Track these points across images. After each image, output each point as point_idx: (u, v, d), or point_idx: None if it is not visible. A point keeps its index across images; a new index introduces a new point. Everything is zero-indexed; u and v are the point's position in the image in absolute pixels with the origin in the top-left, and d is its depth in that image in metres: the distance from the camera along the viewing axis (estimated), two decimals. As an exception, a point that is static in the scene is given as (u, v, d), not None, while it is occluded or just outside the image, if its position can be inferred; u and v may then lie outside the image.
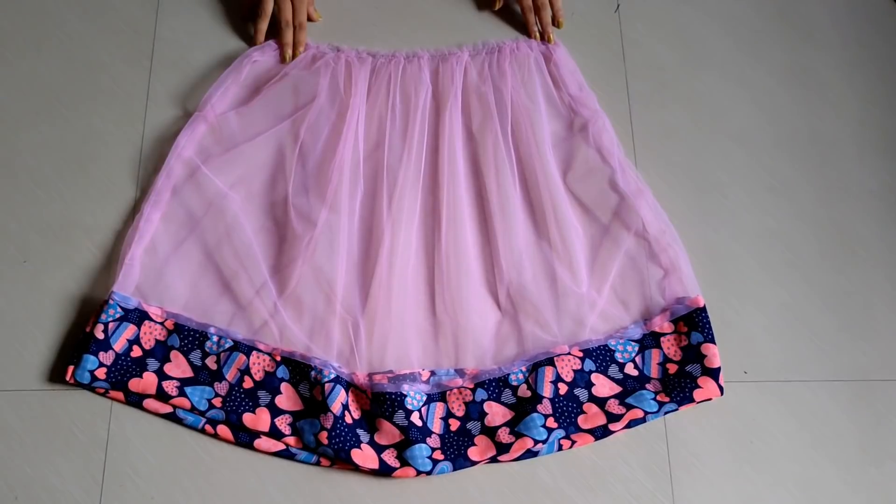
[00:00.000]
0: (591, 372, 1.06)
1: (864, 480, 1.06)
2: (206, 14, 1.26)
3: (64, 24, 1.25)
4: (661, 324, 1.09)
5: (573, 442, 1.04)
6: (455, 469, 1.02)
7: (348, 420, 1.02)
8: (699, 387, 1.05)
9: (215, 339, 1.05)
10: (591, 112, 1.19)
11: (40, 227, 1.13)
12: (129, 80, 1.21)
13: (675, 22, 1.31)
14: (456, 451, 1.02)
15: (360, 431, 1.02)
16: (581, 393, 1.05)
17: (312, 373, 1.03)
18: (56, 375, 1.06)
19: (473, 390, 1.05)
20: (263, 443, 1.03)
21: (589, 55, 1.26)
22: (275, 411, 1.03)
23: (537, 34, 1.26)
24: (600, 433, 1.04)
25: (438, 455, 1.02)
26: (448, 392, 1.06)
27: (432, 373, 1.07)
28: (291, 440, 1.02)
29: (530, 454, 1.03)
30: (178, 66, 1.22)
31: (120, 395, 1.04)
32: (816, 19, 1.33)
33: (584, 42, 1.27)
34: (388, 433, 1.02)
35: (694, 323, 1.08)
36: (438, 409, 1.05)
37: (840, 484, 1.06)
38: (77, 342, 1.06)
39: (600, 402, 1.05)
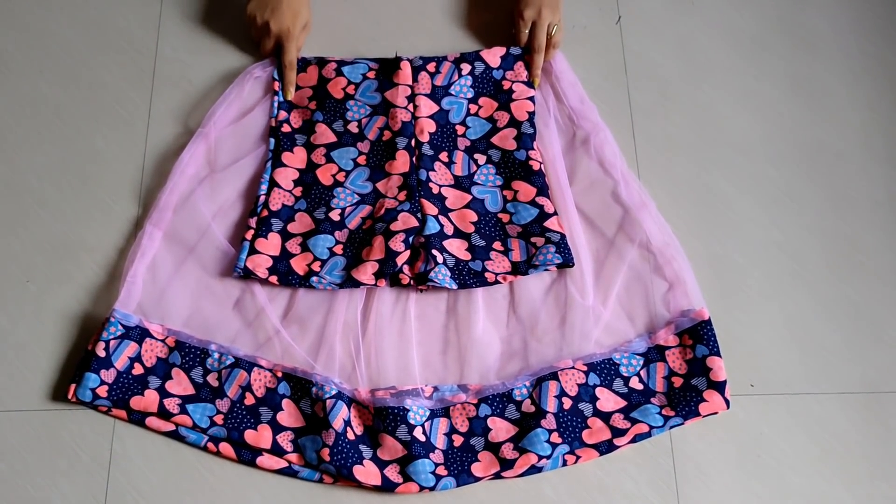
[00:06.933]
0: (595, 386, 1.05)
1: (873, 494, 1.05)
2: (206, 32, 1.27)
3: (66, 44, 1.26)
4: (666, 337, 1.08)
5: (578, 457, 1.03)
6: (458, 485, 1.01)
7: (350, 436, 1.02)
8: (705, 400, 1.04)
9: (216, 355, 1.05)
10: (592, 125, 1.19)
11: (43, 246, 1.13)
12: (131, 99, 1.22)
13: (676, 33, 1.31)
14: (459, 466, 1.02)
15: (362, 447, 1.02)
16: (585, 407, 1.04)
17: (314, 389, 1.03)
18: (58, 394, 1.06)
19: (477, 406, 1.05)
20: (266, 460, 1.02)
21: (590, 67, 1.26)
22: (276, 428, 1.02)
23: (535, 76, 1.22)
24: (605, 448, 1.03)
25: (442, 471, 1.01)
26: (451, 407, 1.05)
27: (435, 388, 1.06)
28: (293, 457, 1.02)
29: (534, 470, 1.03)
30: (180, 84, 1.23)
31: (122, 413, 1.04)
32: (819, 29, 1.32)
33: (585, 54, 1.27)
34: (391, 448, 1.01)
35: (699, 336, 1.07)
36: (442, 424, 1.04)
37: (849, 498, 1.05)
38: (79, 360, 1.06)
39: (605, 417, 1.04)
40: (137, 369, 1.04)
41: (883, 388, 1.10)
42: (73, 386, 1.03)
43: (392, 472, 1.01)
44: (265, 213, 1.12)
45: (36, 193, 1.16)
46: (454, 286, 1.08)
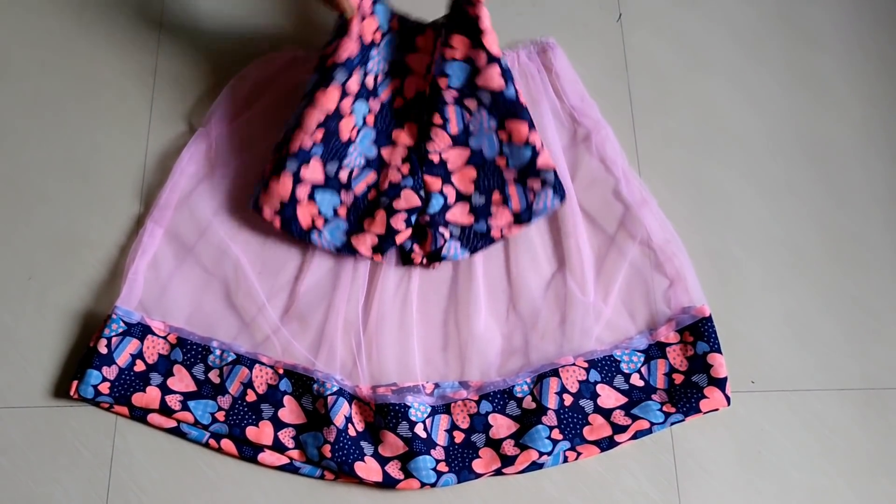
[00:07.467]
0: (596, 383, 1.06)
1: (874, 491, 1.05)
2: (208, 30, 1.27)
3: (67, 41, 1.26)
4: (667, 334, 1.08)
5: (579, 454, 1.03)
6: (459, 481, 1.01)
7: (352, 433, 1.02)
8: (706, 397, 1.04)
9: (218, 352, 1.05)
10: (593, 122, 1.19)
11: (45, 243, 1.13)
12: (133, 97, 1.22)
13: (677, 30, 1.31)
14: (460, 463, 1.02)
15: (364, 444, 1.02)
16: (586, 404, 1.04)
17: (315, 386, 1.03)
18: (60, 391, 1.06)
19: (478, 402, 1.05)
20: (267, 457, 1.03)
21: (591, 65, 1.26)
22: (278, 424, 1.03)
23: None
24: (606, 445, 1.03)
25: (443, 467, 1.01)
26: (452, 404, 1.05)
27: (436, 385, 1.06)
28: (295, 454, 1.02)
29: (535, 466, 1.03)
30: (181, 81, 1.23)
31: (124, 409, 1.04)
32: (819, 24, 1.32)
33: (586, 51, 1.27)
34: (392, 445, 1.01)
35: (700, 332, 1.07)
36: (443, 421, 1.04)
37: (850, 495, 1.05)
38: (81, 357, 1.06)
39: (606, 414, 1.04)
40: (139, 366, 1.04)
41: (884, 384, 1.10)
42: (75, 382, 1.03)
43: (393, 469, 1.01)
44: (285, 151, 1.08)
45: (38, 190, 1.16)
46: (466, 254, 1.10)
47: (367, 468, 1.00)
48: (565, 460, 1.03)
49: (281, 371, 1.05)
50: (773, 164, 1.22)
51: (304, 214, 1.09)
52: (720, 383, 1.04)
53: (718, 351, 1.06)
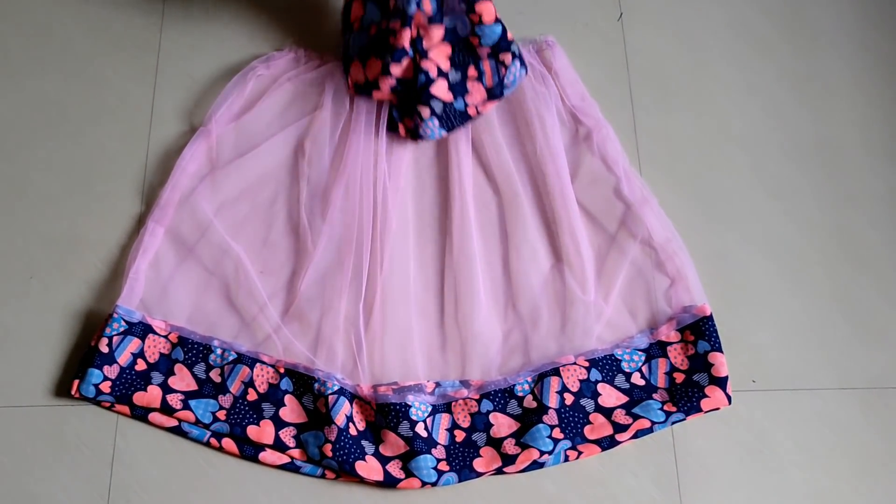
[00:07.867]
0: (597, 382, 1.06)
1: (876, 489, 1.05)
2: (209, 29, 1.27)
3: (69, 41, 1.26)
4: (668, 333, 1.08)
5: (580, 453, 1.03)
6: (460, 480, 1.01)
7: (353, 432, 1.02)
8: (707, 396, 1.04)
9: (219, 351, 1.06)
10: (594, 121, 1.19)
11: (46, 243, 1.13)
12: (134, 97, 1.22)
13: (678, 29, 1.31)
14: (461, 462, 1.02)
15: (364, 443, 1.02)
16: (587, 403, 1.04)
17: (316, 385, 1.03)
18: (62, 390, 1.06)
19: (479, 401, 1.05)
20: (268, 456, 1.03)
21: (592, 64, 1.26)
22: (279, 423, 1.03)
23: None
24: (607, 444, 1.03)
25: (444, 466, 1.01)
26: (453, 403, 1.05)
27: (437, 384, 1.06)
28: (296, 453, 1.02)
29: (536, 465, 1.03)
30: (182, 81, 1.23)
31: (125, 408, 1.04)
32: (822, 25, 1.32)
33: (587, 51, 1.27)
34: (393, 444, 1.01)
35: (701, 332, 1.07)
36: (444, 420, 1.04)
37: (851, 493, 1.05)
38: (82, 356, 1.06)
39: (607, 413, 1.04)
40: (140, 365, 1.04)
41: (884, 383, 1.10)
42: (76, 381, 1.03)
43: (394, 468, 1.01)
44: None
45: (39, 189, 1.16)
46: (443, 133, 1.16)
47: (368, 467, 1.00)
48: (566, 459, 1.03)
49: (282, 370, 1.05)
50: (774, 162, 1.22)
51: (355, 11, 1.15)
52: (721, 382, 1.04)
53: (719, 350, 1.06)
